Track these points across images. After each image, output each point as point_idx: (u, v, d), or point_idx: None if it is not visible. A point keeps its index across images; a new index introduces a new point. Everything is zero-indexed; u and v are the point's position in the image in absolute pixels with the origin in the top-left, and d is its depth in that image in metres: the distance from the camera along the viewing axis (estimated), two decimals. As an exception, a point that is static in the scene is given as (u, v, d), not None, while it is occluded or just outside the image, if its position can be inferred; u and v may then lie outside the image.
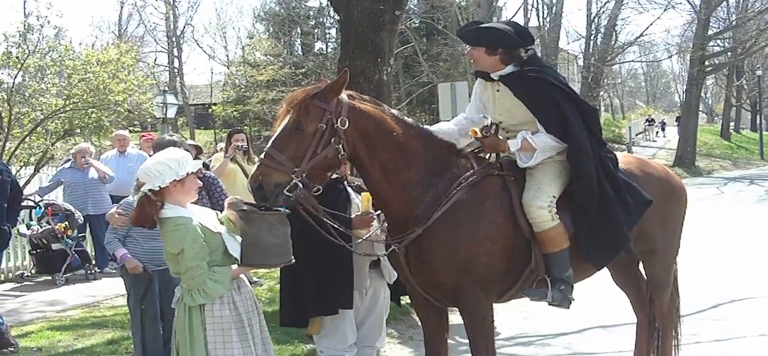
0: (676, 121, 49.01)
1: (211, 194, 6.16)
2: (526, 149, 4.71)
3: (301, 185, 4.21)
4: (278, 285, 6.08)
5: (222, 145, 11.97)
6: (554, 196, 4.65)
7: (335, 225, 4.60)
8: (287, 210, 4.27)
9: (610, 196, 4.75)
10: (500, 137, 4.80)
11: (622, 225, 4.84)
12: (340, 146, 4.32)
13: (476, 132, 4.75)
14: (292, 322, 5.42)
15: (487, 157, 4.86)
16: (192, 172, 4.35)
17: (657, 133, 52.30)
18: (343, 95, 4.40)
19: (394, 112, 4.67)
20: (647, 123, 51.12)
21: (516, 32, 4.72)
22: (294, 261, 4.34)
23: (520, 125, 4.77)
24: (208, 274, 4.18)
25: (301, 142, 4.27)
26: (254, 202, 4.32)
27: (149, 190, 4.24)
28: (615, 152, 5.28)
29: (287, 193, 4.18)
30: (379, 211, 4.88)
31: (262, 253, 4.23)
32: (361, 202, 5.10)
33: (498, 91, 4.79)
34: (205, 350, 4.23)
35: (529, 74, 4.69)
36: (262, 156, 4.32)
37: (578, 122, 4.68)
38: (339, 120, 4.30)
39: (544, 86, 4.68)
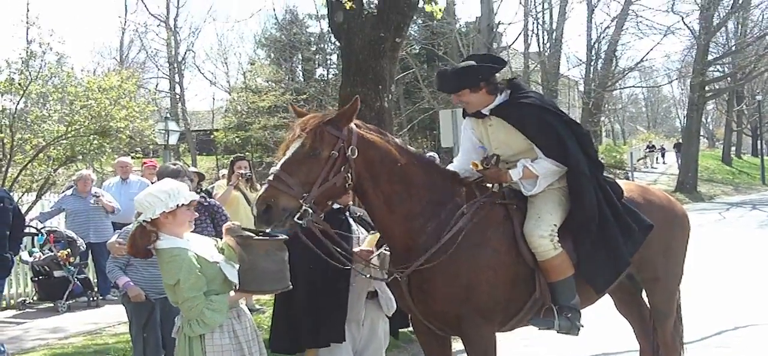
0: (674, 147, 48.93)
1: (215, 222, 6.17)
2: (527, 177, 4.71)
3: (311, 212, 4.17)
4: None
5: (224, 171, 11.97)
6: (555, 225, 4.64)
7: (341, 253, 4.57)
8: (285, 236, 4.25)
9: (609, 219, 4.76)
10: (501, 168, 4.79)
11: (622, 249, 4.83)
12: (349, 174, 4.31)
13: (477, 164, 4.75)
14: (284, 349, 5.34)
15: (491, 186, 4.86)
16: (184, 204, 4.30)
17: (657, 158, 52.27)
18: (352, 124, 4.40)
19: (398, 140, 4.68)
20: (648, 150, 51.12)
21: (481, 60, 4.78)
22: (291, 287, 4.31)
23: (518, 155, 4.78)
24: (205, 304, 4.15)
25: (313, 168, 4.23)
26: (253, 228, 4.29)
27: (143, 221, 4.25)
28: (616, 180, 5.29)
29: (297, 221, 4.14)
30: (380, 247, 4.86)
31: (258, 279, 4.21)
32: (367, 242, 5.06)
33: (491, 125, 4.80)
34: (207, 379, 4.21)
35: (519, 101, 4.71)
36: (270, 178, 4.24)
37: (574, 144, 4.70)
38: (350, 148, 4.30)
39: (537, 111, 4.70)
